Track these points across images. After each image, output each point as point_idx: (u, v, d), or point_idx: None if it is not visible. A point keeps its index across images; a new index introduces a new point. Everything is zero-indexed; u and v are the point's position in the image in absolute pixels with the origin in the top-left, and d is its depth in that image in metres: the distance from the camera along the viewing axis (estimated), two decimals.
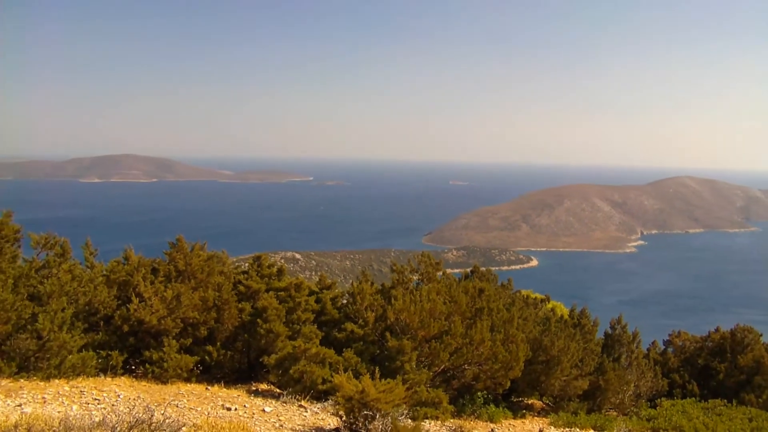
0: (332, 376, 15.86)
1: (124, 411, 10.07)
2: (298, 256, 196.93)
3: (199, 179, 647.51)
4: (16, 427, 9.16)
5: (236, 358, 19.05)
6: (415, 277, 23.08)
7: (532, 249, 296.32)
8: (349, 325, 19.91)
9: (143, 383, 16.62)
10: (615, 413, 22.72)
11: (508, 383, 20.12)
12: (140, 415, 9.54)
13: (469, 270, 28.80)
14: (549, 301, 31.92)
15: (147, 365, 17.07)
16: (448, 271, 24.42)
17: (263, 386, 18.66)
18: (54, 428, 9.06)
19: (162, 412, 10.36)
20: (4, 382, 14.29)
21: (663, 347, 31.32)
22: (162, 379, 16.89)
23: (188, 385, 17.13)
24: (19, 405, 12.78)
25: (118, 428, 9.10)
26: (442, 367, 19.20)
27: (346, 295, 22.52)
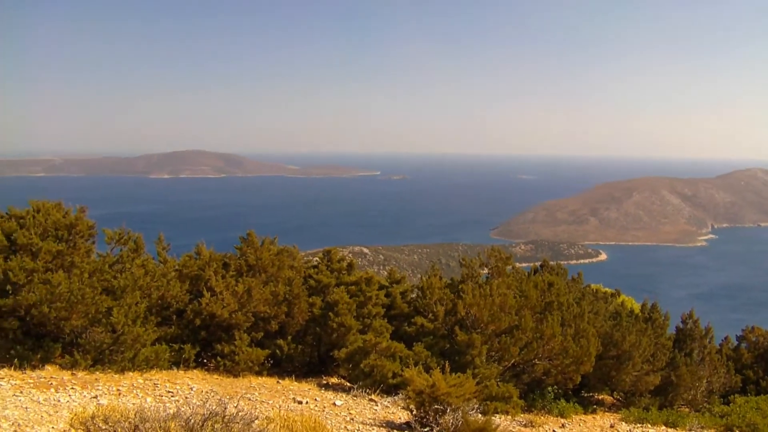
0: (402, 370, 15.86)
1: (198, 403, 10.15)
2: (365, 250, 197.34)
3: (267, 174, 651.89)
4: (93, 418, 9.31)
5: (306, 352, 19.13)
6: (485, 271, 22.96)
7: (601, 243, 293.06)
8: (419, 320, 19.88)
9: (215, 376, 16.82)
10: (687, 409, 22.34)
11: (579, 378, 19.93)
12: (214, 408, 9.62)
13: (538, 264, 28.61)
14: (619, 296, 31.52)
15: (219, 358, 17.25)
16: (517, 265, 24.23)
17: (333, 380, 18.74)
18: (130, 419, 9.18)
19: (235, 405, 10.45)
20: (80, 374, 14.56)
21: (736, 343, 30.68)
22: (233, 372, 17.07)
23: (259, 378, 17.27)
24: (95, 397, 13.01)
25: (192, 420, 9.19)
26: (512, 362, 19.09)
27: (416, 289, 22.48)
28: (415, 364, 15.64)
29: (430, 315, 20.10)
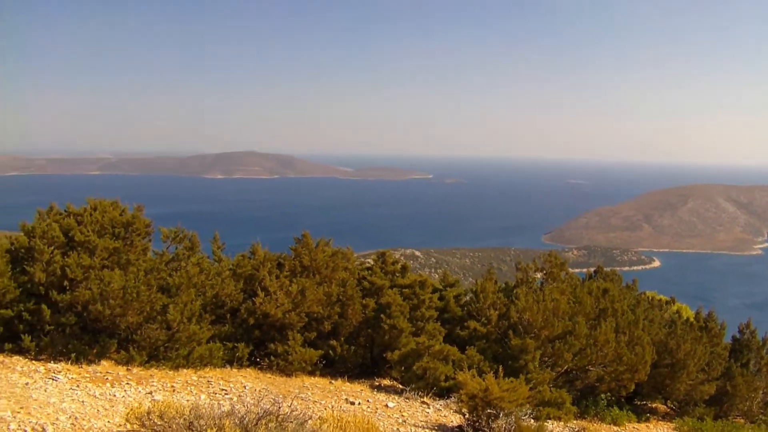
0: (455, 374, 15.81)
1: (252, 402, 10.21)
2: (417, 253, 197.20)
3: (319, 176, 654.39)
4: (148, 413, 9.39)
5: (359, 353, 19.12)
6: (539, 276, 22.82)
7: (654, 249, 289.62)
8: (472, 323, 19.78)
9: (268, 375, 16.88)
10: (742, 420, 21.97)
11: (633, 386, 19.67)
12: (268, 407, 9.65)
13: (592, 270, 28.32)
14: (674, 303, 31.11)
15: (272, 358, 17.30)
16: (571, 270, 24.05)
17: (386, 382, 18.72)
18: (184, 416, 9.24)
19: (289, 404, 10.47)
20: (135, 369, 14.72)
21: None
22: (286, 371, 17.12)
23: (312, 378, 17.32)
24: (150, 392, 13.16)
25: (247, 419, 9.22)
26: (565, 368, 18.91)
27: (469, 292, 22.37)
28: (468, 368, 15.55)
29: (483, 319, 20.00)
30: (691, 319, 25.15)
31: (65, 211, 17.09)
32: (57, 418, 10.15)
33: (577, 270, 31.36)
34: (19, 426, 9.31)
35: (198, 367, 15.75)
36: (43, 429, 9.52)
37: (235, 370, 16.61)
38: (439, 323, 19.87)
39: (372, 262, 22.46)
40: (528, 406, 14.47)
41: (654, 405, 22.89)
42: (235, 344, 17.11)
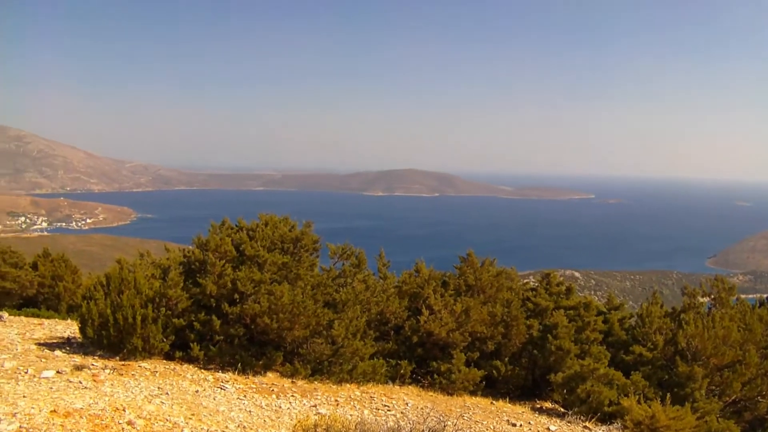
0: (619, 399, 15.43)
1: (416, 419, 10.18)
2: (577, 274, 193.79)
3: (479, 195, 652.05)
4: (315, 426, 9.50)
5: (521, 375, 18.91)
6: (706, 301, 22.04)
7: None
8: (637, 348, 19.26)
9: (430, 393, 16.87)
10: None
11: None
12: (433, 425, 9.62)
13: (764, 296, 27.21)
14: None
15: (435, 376, 17.30)
16: (741, 296, 23.15)
17: (547, 404, 18.41)
18: (350, 430, 9.30)
19: (453, 423, 10.41)
20: (300, 382, 14.97)
21: None
22: (448, 390, 17.07)
23: (473, 398, 17.20)
24: (314, 405, 13.34)
25: None
26: (733, 398, 18.16)
27: (634, 316, 21.82)
28: (633, 394, 15.15)
29: (649, 344, 19.44)
30: None
31: (236, 225, 17.62)
32: (226, 426, 10.41)
33: (743, 296, 30.22)
34: None
35: (361, 383, 15.89)
36: None
37: (397, 386, 16.69)
38: (604, 347, 19.46)
39: (536, 283, 22.22)
40: None
41: None
42: (398, 361, 17.20)
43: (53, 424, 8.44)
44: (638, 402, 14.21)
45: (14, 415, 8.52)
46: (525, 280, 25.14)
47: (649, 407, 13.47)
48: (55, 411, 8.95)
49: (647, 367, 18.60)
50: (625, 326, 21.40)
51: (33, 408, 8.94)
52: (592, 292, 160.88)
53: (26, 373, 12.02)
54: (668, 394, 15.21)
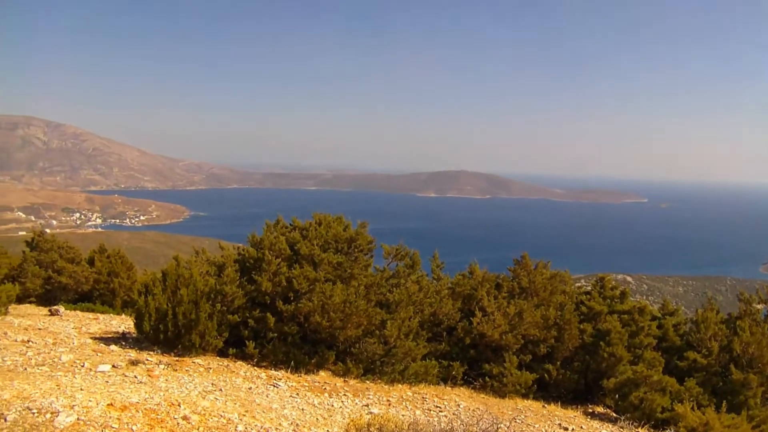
0: (672, 405, 15.26)
1: (469, 421, 10.16)
2: (629, 278, 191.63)
3: (531, 197, 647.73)
4: (368, 426, 9.51)
5: (573, 379, 18.78)
6: (762, 308, 21.71)
7: None
8: (692, 354, 19.03)
9: (481, 395, 16.83)
10: None
11: None
12: (486, 427, 9.59)
13: None
14: None
15: (487, 378, 17.25)
16: None
17: (599, 409, 18.26)
18: (403, 431, 9.30)
19: (507, 425, 10.37)
20: (351, 381, 15.03)
21: None
22: (500, 393, 17.01)
23: (525, 401, 17.12)
24: (366, 405, 13.37)
25: None
26: None
27: (689, 322, 21.57)
28: (687, 400, 14.98)
29: (704, 350, 19.19)
30: None
31: (291, 224, 17.72)
32: (280, 424, 10.48)
33: None
34: (246, 428, 9.65)
35: (412, 383, 15.91)
36: None
37: (448, 388, 16.68)
38: (658, 352, 19.26)
39: (589, 286, 22.06)
40: None
41: None
42: (450, 363, 17.19)
43: (110, 417, 8.55)
44: (692, 409, 14.04)
45: (72, 407, 8.64)
46: (578, 284, 24.97)
47: (703, 414, 13.29)
48: (111, 404, 9.06)
49: (701, 373, 18.38)
50: (679, 332, 21.16)
51: (90, 401, 9.06)
52: (644, 297, 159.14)
53: (83, 366, 12.20)
54: (723, 402, 15.01)
